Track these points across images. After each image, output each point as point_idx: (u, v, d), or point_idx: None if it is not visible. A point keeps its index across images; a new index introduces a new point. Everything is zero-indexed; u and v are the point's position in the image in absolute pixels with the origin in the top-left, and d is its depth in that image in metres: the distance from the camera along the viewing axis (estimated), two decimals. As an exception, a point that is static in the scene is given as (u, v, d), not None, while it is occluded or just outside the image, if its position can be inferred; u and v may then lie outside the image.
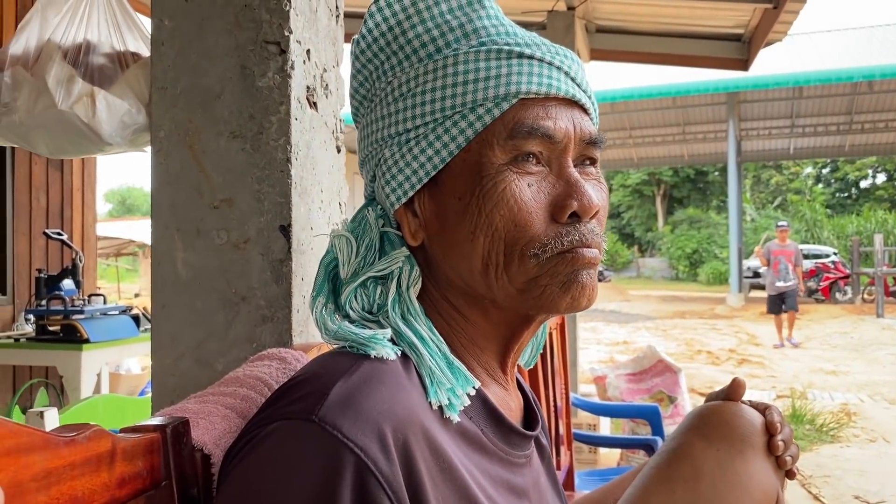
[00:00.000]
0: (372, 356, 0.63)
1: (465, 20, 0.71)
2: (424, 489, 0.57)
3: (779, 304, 10.28)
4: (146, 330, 3.97)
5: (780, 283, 10.24)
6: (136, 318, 4.01)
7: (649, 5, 5.23)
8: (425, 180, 0.69)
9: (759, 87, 15.31)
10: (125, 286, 19.48)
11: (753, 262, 20.97)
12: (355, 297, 0.71)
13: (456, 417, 0.65)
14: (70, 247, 4.14)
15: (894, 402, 6.32)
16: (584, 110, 0.72)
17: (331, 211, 1.14)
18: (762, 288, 19.83)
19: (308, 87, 1.07)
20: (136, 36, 2.01)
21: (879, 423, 5.55)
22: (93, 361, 3.77)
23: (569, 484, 2.25)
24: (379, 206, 0.75)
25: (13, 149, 4.54)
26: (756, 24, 5.22)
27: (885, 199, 29.95)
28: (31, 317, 4.12)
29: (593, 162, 0.73)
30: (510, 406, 0.75)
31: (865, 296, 16.45)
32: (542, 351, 0.88)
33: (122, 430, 0.68)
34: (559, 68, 0.70)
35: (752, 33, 5.42)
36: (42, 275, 4.15)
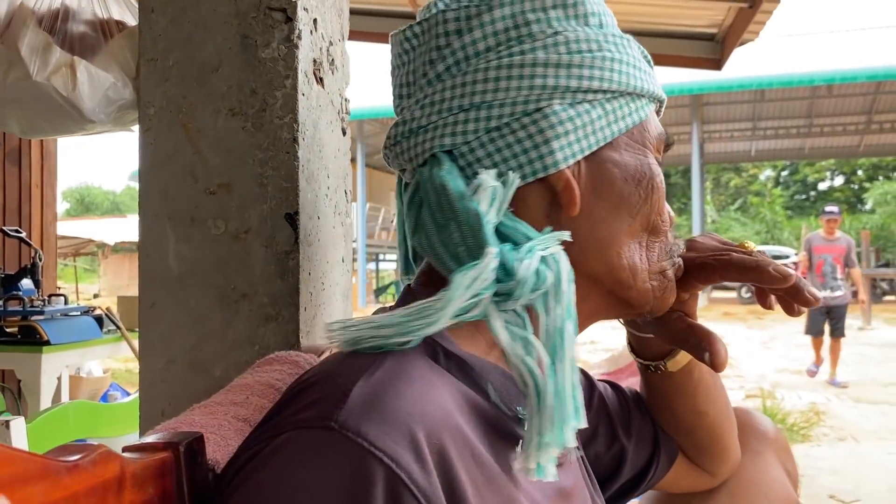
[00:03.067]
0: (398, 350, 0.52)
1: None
2: (467, 502, 0.47)
3: (822, 322, 7.06)
4: (109, 331, 3.83)
5: (824, 293, 6.87)
6: (98, 319, 3.86)
7: (622, 3, 5.21)
8: (602, 144, 0.62)
9: (723, 89, 15.53)
10: (84, 287, 19.05)
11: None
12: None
13: (554, 476, 0.51)
14: (29, 245, 3.96)
15: (859, 401, 6.40)
16: None
17: (337, 199, 1.03)
18: (724, 288, 20.05)
19: (315, 61, 0.96)
20: (120, 3, 1.86)
21: (847, 422, 5.62)
22: (53, 364, 3.62)
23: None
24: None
25: (-33, 142, 4.34)
26: (730, 24, 5.24)
27: (843, 201, 30.60)
28: (-13, 318, 3.94)
29: None
30: None
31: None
32: None
33: (126, 449, 0.57)
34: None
35: (726, 33, 5.43)
36: (-1, 274, 3.97)
